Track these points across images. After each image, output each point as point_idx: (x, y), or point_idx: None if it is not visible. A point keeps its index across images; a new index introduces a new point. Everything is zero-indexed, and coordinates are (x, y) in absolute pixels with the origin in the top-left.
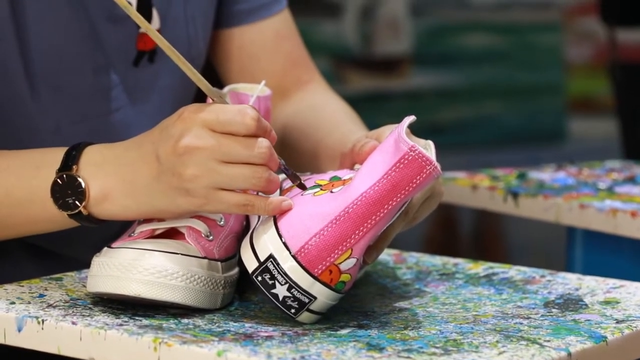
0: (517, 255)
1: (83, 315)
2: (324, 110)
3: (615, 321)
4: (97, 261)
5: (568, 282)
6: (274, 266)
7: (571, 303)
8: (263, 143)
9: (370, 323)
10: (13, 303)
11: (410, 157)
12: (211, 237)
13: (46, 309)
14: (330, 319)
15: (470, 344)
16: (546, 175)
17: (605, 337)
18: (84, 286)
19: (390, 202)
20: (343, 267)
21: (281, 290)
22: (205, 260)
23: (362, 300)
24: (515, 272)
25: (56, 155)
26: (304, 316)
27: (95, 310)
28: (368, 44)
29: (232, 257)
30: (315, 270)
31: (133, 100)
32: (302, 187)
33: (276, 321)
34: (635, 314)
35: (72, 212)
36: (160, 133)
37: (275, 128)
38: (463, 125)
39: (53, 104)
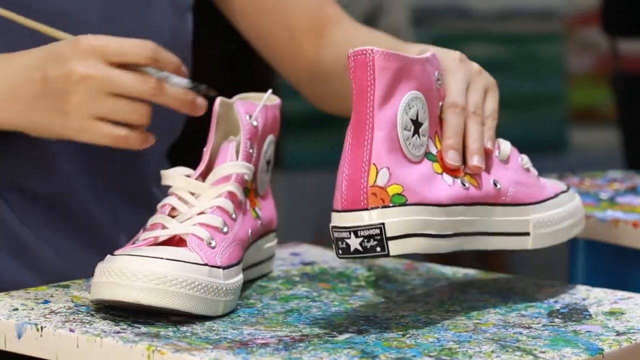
0: (519, 265)
1: (83, 322)
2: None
3: (615, 333)
4: (99, 268)
5: (576, 292)
6: (332, 232)
7: (575, 313)
8: (150, 79)
9: (370, 329)
10: (16, 309)
11: (354, 60)
12: (214, 244)
13: (47, 316)
14: (332, 323)
15: (465, 353)
16: None
17: (602, 350)
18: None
19: (366, 107)
20: (381, 182)
21: (354, 242)
22: (206, 268)
23: (366, 305)
24: (524, 281)
25: None
26: (394, 246)
27: (97, 317)
28: None
29: (236, 265)
30: (361, 203)
31: None
32: (211, 92)
33: (277, 327)
34: (637, 326)
35: None
36: (51, 55)
37: (319, 73)
38: None
39: None
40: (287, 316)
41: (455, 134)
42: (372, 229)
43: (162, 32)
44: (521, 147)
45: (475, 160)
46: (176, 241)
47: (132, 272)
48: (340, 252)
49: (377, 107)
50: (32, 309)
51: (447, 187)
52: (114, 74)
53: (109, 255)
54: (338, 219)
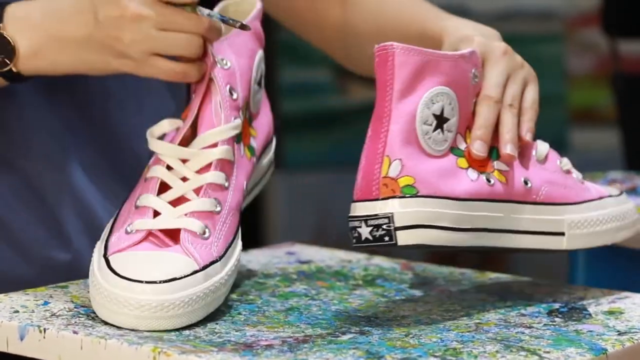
0: (519, 265)
1: (85, 324)
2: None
3: (617, 333)
4: (93, 277)
5: (574, 291)
6: (348, 222)
7: (575, 312)
8: (199, 15)
9: (372, 329)
10: (17, 311)
11: (377, 56)
12: (207, 235)
13: (49, 318)
14: (333, 324)
15: (470, 353)
16: None
17: (606, 350)
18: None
19: (385, 101)
20: (393, 174)
21: (365, 231)
22: (201, 274)
23: (365, 305)
24: (521, 281)
25: None
26: (402, 236)
27: (98, 320)
28: None
29: (232, 242)
30: (373, 193)
31: None
32: (245, 28)
33: (279, 327)
34: (638, 326)
35: (1, 70)
36: None
37: (349, 36)
38: None
39: None
40: (287, 315)
41: (484, 126)
42: (380, 218)
43: None
44: None
45: (508, 149)
46: (172, 232)
47: (127, 300)
48: (354, 241)
49: (395, 101)
50: (33, 310)
51: (468, 182)
52: (167, 11)
53: (102, 259)
54: (353, 209)
